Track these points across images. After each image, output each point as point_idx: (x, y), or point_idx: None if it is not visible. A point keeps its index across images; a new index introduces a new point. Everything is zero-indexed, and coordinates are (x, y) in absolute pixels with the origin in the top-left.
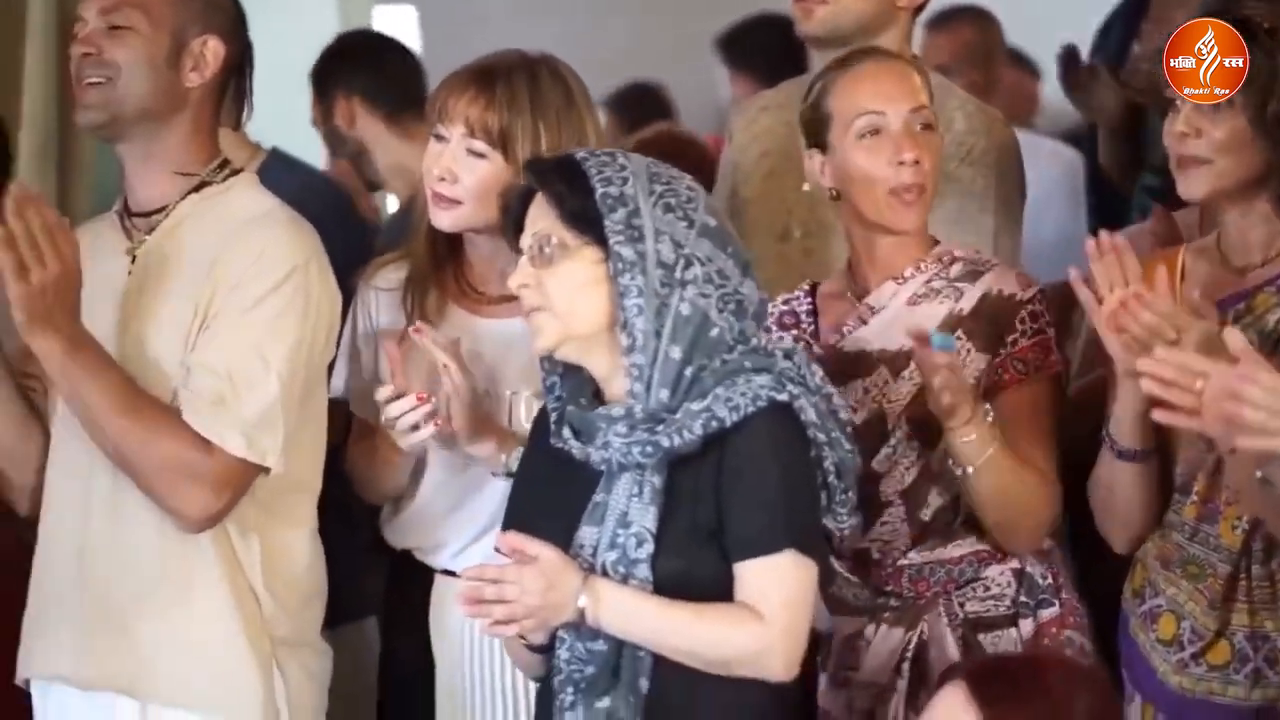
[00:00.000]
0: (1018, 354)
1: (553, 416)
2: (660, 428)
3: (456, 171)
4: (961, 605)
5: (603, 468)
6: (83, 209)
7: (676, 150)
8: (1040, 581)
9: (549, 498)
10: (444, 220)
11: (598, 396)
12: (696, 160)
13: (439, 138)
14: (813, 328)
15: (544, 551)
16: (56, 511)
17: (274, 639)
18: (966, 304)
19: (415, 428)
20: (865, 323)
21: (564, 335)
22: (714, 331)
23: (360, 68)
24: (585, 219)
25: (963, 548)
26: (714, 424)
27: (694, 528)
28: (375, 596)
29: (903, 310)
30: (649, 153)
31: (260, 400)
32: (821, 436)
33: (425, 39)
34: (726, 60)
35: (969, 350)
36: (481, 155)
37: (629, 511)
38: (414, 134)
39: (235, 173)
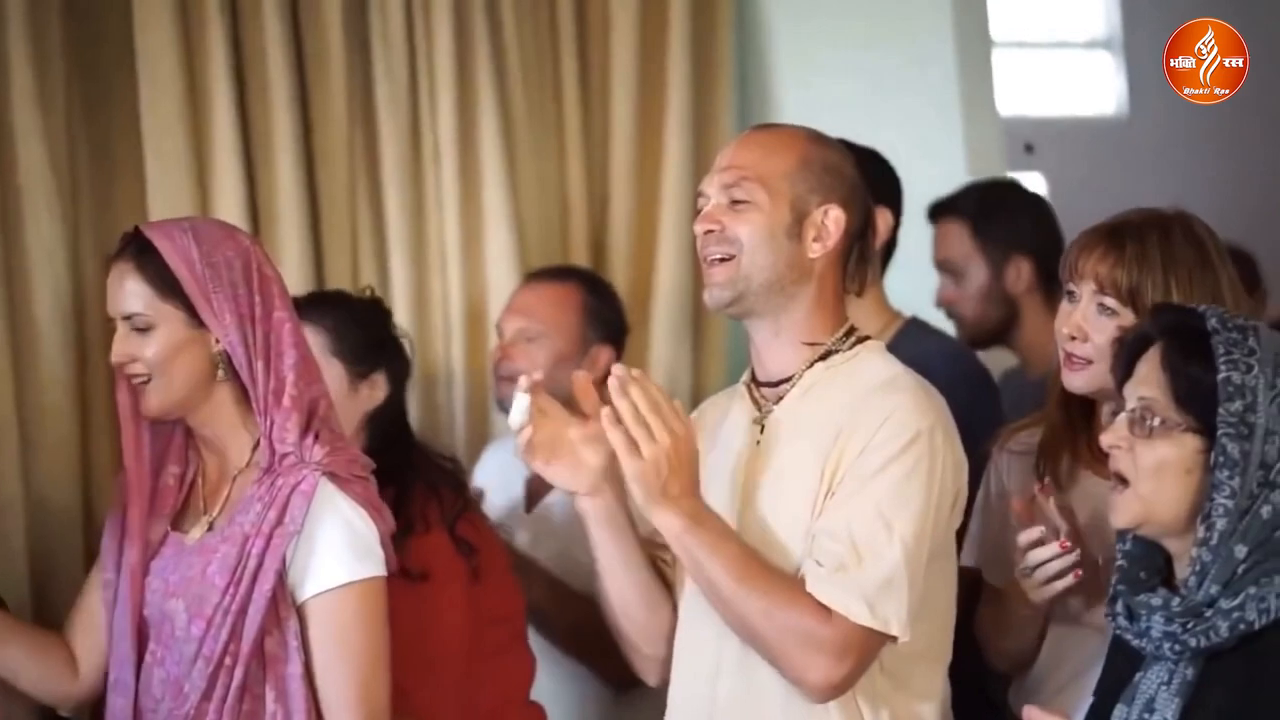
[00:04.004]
0: None
1: (1110, 590)
2: (1193, 624)
3: (1087, 330)
4: None
5: (1142, 652)
6: (715, 381)
7: None
8: None
9: (1117, 667)
10: (1075, 381)
11: (1169, 564)
12: None
13: (1070, 296)
14: None
15: None
16: (686, 678)
17: None
18: None
19: (1054, 578)
20: None
21: (1144, 518)
22: (1279, 533)
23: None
24: (1195, 401)
25: None
26: (1241, 626)
27: None
28: None
29: None
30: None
31: (883, 566)
32: None
33: (1054, 207)
34: None
35: None
36: (1113, 313)
37: (1155, 698)
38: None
39: (862, 340)
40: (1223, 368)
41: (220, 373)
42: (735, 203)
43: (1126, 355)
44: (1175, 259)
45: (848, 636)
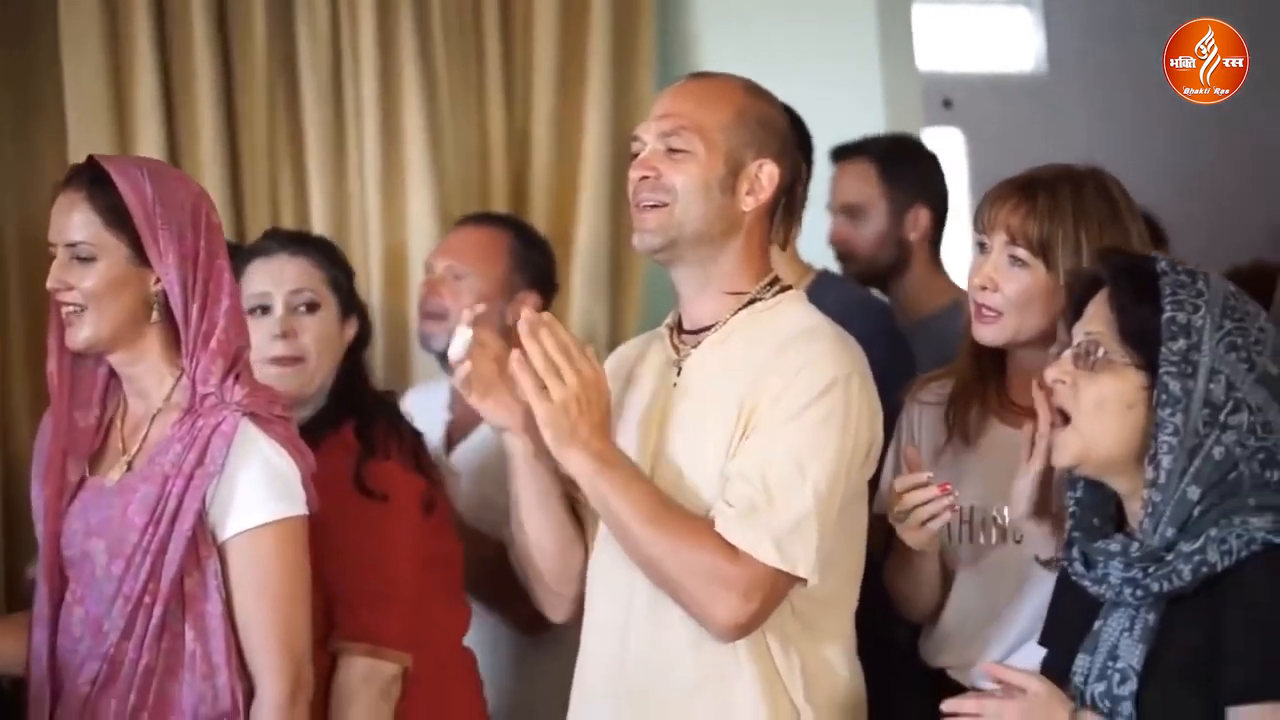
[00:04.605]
0: None
1: (1064, 536)
2: (1153, 568)
3: (998, 280)
4: None
5: (1101, 599)
6: (633, 327)
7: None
8: None
9: (1071, 615)
10: (986, 334)
11: (1120, 510)
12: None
13: (981, 247)
14: None
15: (1031, 685)
16: (597, 619)
17: None
18: None
19: (930, 520)
20: None
21: (1084, 456)
22: (1233, 475)
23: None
24: (1141, 338)
25: None
26: (1204, 569)
27: (1185, 667)
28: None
29: None
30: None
31: (794, 509)
32: None
33: (971, 163)
34: None
35: None
36: (1023, 263)
37: (1119, 645)
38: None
39: (785, 290)
40: (1168, 308)
41: (154, 314)
42: (672, 151)
43: (1076, 297)
44: (1086, 213)
45: (755, 576)
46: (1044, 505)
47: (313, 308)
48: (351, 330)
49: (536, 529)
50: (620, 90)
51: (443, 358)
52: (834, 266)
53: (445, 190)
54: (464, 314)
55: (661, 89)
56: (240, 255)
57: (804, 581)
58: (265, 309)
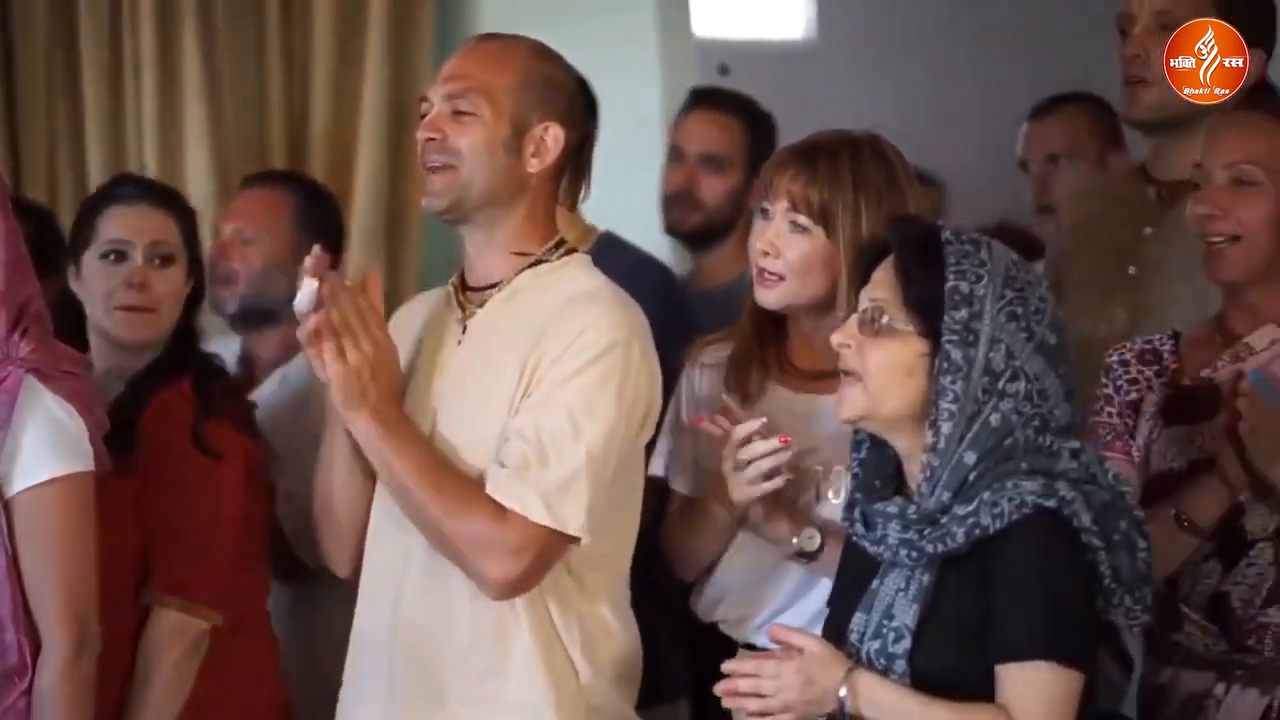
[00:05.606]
0: None
1: (847, 497)
2: (929, 530)
3: (779, 246)
4: None
5: (879, 559)
6: (410, 285)
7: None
8: None
9: (853, 575)
10: (767, 298)
11: (899, 472)
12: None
13: (764, 213)
14: (1175, 366)
15: (809, 644)
16: (374, 574)
17: (589, 708)
18: None
19: (764, 478)
20: (1241, 360)
21: (868, 413)
22: (1009, 441)
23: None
24: (926, 306)
25: None
26: (977, 531)
27: (958, 627)
28: (687, 678)
29: None
30: None
31: (566, 468)
32: (1098, 541)
33: None
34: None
35: None
36: (804, 230)
37: (894, 605)
38: None
39: (570, 252)
40: (951, 277)
41: None
42: (458, 113)
43: (865, 262)
44: (865, 179)
45: (524, 535)
46: None
47: (168, 261)
48: (189, 286)
49: (344, 479)
50: (398, 47)
51: (233, 320)
52: (618, 224)
53: (224, 145)
54: (306, 263)
55: (440, 47)
56: (95, 200)
57: (576, 540)
58: (120, 255)
